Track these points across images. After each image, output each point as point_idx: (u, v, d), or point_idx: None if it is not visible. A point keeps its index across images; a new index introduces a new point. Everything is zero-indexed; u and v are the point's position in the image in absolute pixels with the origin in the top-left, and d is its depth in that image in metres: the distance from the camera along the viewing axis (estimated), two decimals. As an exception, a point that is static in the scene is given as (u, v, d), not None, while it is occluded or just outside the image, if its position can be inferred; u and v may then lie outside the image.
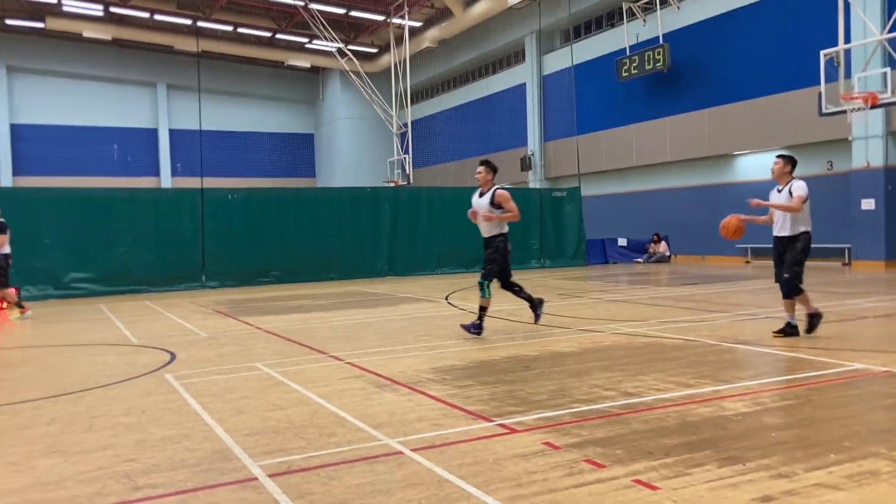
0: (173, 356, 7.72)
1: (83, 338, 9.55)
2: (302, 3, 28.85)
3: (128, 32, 32.85)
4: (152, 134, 37.54)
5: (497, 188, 8.61)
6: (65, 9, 30.34)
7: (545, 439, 4.24)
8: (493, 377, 6.09)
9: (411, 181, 30.79)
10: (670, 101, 24.30)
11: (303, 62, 37.49)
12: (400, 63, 31.60)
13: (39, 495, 3.62)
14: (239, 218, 18.20)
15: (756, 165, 21.91)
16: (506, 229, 8.72)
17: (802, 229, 7.48)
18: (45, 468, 4.04)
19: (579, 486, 3.47)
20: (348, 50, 32.06)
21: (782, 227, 7.59)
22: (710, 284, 14.64)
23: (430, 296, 14.04)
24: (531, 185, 29.70)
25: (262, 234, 18.33)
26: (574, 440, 4.21)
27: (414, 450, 4.11)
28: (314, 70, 40.25)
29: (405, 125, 31.78)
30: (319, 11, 29.88)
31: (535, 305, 8.96)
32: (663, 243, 23.58)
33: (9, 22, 31.95)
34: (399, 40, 31.94)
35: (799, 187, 7.45)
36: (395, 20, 31.45)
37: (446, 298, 13.42)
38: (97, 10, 30.50)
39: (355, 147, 39.02)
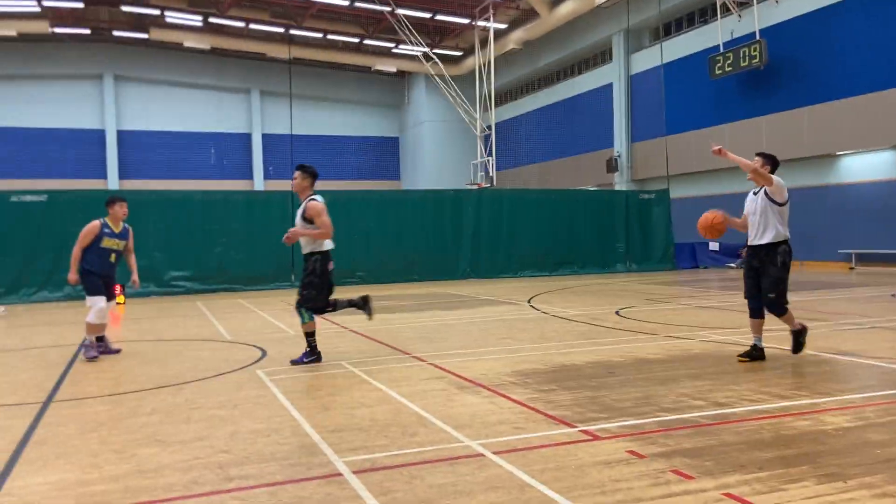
0: (264, 353, 8.00)
1: (182, 333, 10.04)
2: (389, 9, 29.37)
3: (225, 41, 34.35)
4: (246, 138, 39.07)
5: (311, 199, 7.37)
6: (167, 20, 32.03)
7: (630, 447, 4.14)
8: (575, 382, 6.00)
9: (494, 183, 30.76)
10: (767, 99, 23.25)
11: (389, 67, 38.12)
12: (484, 65, 31.65)
13: (139, 482, 3.82)
14: (326, 220, 18.66)
15: (861, 166, 20.67)
16: (326, 246, 7.41)
17: (783, 237, 6.66)
18: (145, 456, 4.27)
19: (666, 497, 3.37)
20: (433, 54, 32.38)
21: (759, 234, 6.70)
22: (810, 292, 13.90)
23: (512, 298, 13.97)
24: (617, 187, 29.12)
25: (348, 235, 18.68)
26: (660, 449, 4.09)
27: (496, 453, 4.10)
28: (400, 74, 40.86)
29: (489, 127, 31.79)
30: (406, 16, 30.33)
31: (363, 303, 7.64)
32: (758, 248, 22.54)
33: (116, 33, 34.01)
34: (484, 43, 31.99)
35: (778, 180, 6.62)
36: (480, 23, 31.52)
37: (529, 301, 13.33)
38: (197, 20, 32.04)
39: (439, 150, 39.34)
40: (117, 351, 8.26)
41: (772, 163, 6.77)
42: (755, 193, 6.84)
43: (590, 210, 21.86)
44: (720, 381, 5.87)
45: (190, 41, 33.64)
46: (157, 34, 32.99)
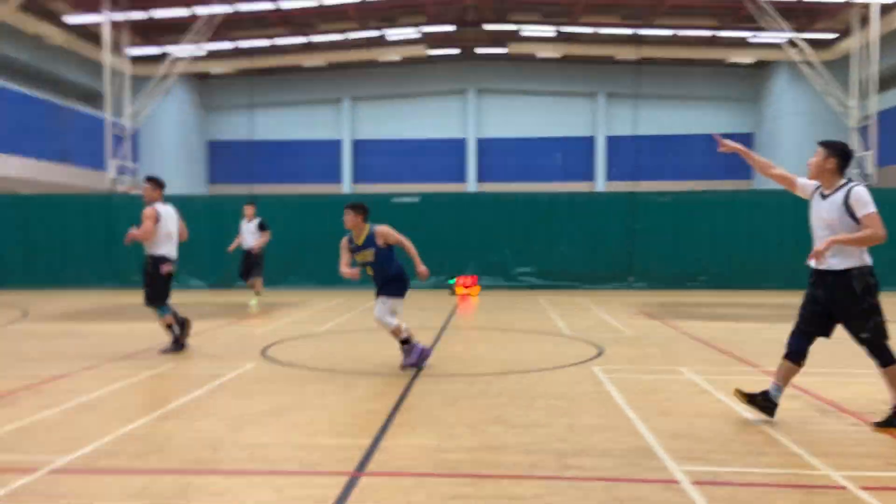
0: (601, 351, 8.10)
1: (526, 325, 10.68)
2: (748, -5, 27.29)
3: (574, 48, 35.53)
4: (589, 141, 39.89)
5: (150, 205, 7.78)
6: (523, 34, 34.32)
7: None
8: (979, 423, 4.90)
9: (876, 181, 26.54)
10: None
11: (745, 58, 35.46)
12: (864, 47, 27.50)
13: (487, 456, 4.19)
14: (668, 221, 18.14)
15: None
16: (160, 251, 7.75)
17: (861, 262, 4.63)
18: (492, 434, 4.66)
19: None
20: (800, 39, 29.18)
21: (832, 254, 4.66)
22: None
23: (893, 314, 11.90)
24: None
25: (692, 237, 17.94)
26: None
27: (863, 488, 3.58)
28: (756, 65, 37.69)
29: (867, 117, 27.55)
30: (769, 2, 27.86)
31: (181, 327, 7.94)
32: None
33: (479, 50, 37.48)
34: (864, 21, 27.78)
35: (863, 200, 4.56)
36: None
37: (914, 321, 11.22)
38: (550, 31, 33.72)
39: (802, 145, 35.20)
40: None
41: (840, 155, 4.85)
42: (824, 197, 4.83)
43: None
44: None
45: (543, 52, 35.55)
46: (514, 48, 35.55)
